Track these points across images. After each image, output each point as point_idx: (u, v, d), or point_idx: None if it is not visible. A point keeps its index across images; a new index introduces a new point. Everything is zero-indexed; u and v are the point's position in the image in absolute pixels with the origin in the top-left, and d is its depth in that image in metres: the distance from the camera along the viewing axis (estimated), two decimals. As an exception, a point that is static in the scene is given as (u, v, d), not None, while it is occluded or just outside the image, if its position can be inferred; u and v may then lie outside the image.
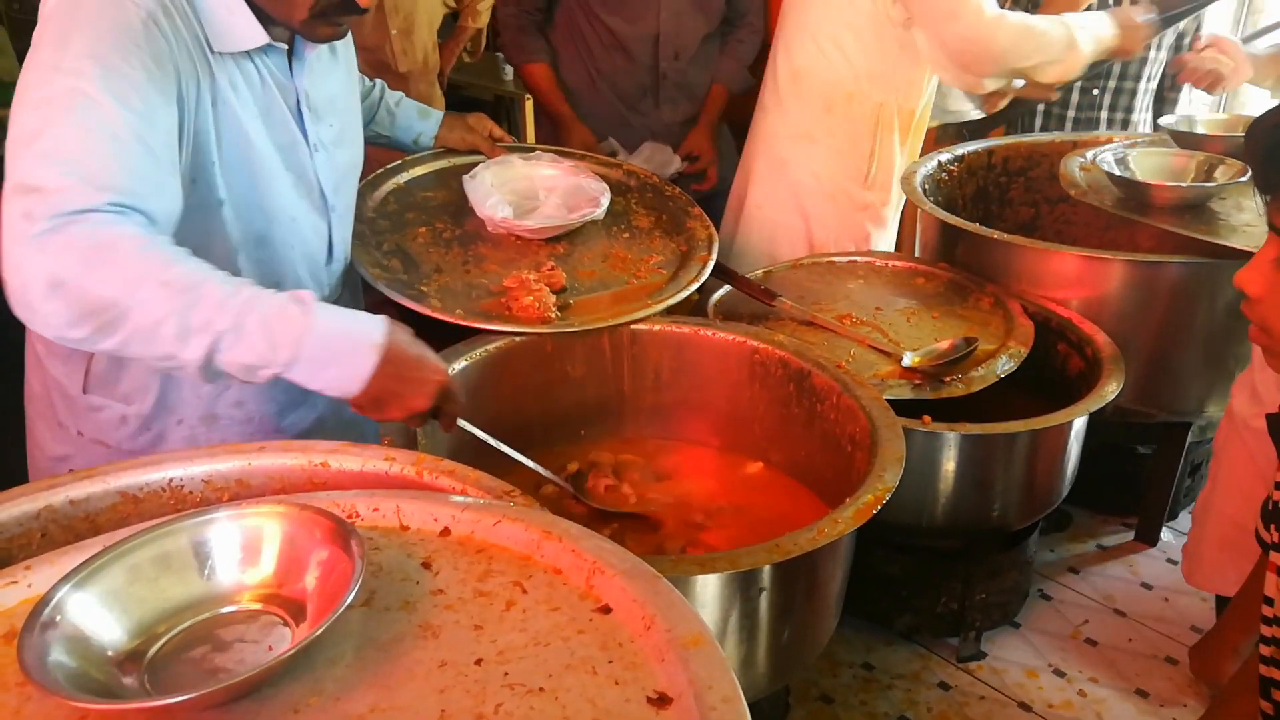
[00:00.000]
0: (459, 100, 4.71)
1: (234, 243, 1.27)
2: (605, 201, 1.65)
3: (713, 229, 1.71)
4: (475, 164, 1.71)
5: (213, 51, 1.19)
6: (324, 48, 1.36)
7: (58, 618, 0.69)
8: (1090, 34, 1.95)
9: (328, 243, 1.41)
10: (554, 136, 2.78)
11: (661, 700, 0.68)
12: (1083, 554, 2.05)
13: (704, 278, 1.57)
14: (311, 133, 1.34)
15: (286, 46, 1.29)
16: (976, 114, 2.50)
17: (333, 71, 1.40)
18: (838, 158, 2.20)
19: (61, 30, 1.06)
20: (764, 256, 2.32)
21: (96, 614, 0.71)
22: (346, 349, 1.06)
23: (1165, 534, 2.10)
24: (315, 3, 1.18)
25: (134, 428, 1.35)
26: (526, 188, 1.68)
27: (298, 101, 1.31)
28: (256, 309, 1.02)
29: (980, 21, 1.86)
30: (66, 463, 1.39)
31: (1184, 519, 2.16)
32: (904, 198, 2.44)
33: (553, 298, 1.43)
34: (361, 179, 1.51)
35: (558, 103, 2.63)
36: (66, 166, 0.99)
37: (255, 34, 1.21)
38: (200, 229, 1.20)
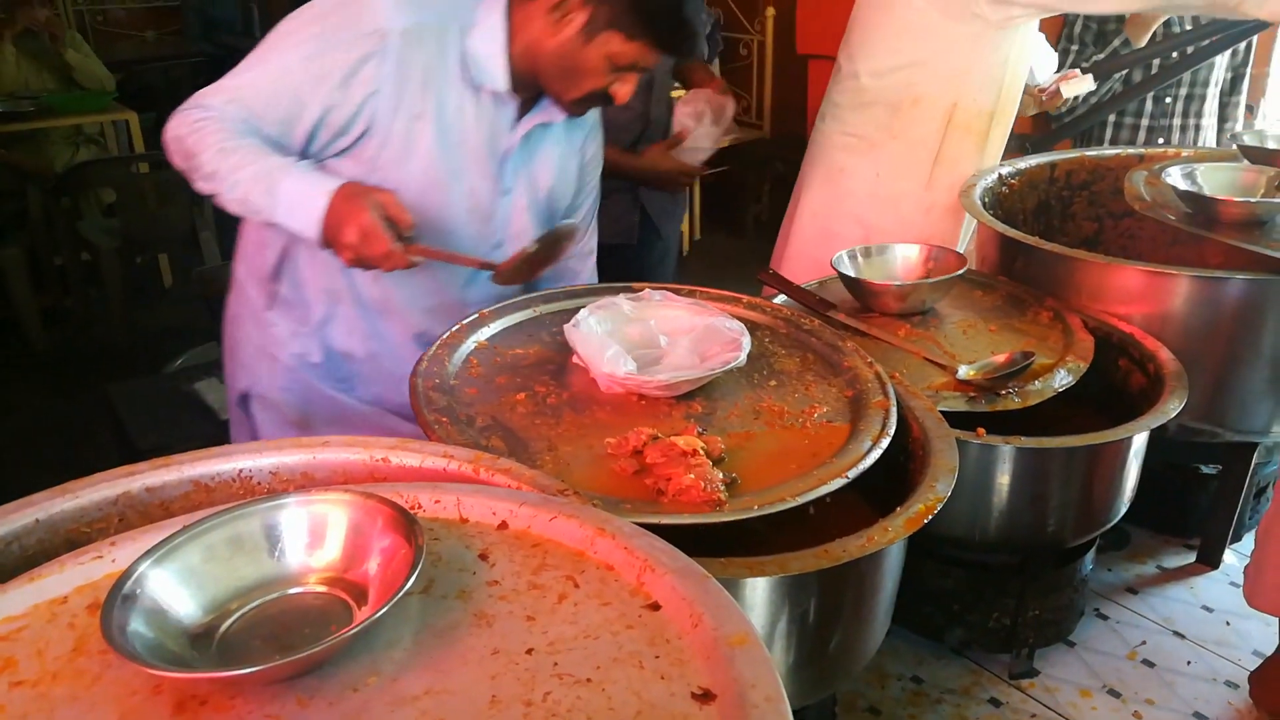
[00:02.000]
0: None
1: None
2: (747, 344, 1.38)
3: (879, 366, 1.43)
4: (565, 313, 1.49)
5: (462, 80, 1.51)
6: (558, 128, 1.64)
7: (138, 591, 0.73)
8: None
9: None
10: None
11: (705, 696, 0.69)
12: (1142, 574, 2.01)
13: (891, 429, 1.27)
14: (506, 178, 1.61)
15: (518, 101, 1.57)
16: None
17: (556, 150, 1.66)
18: (900, 162, 2.20)
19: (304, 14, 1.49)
20: (815, 265, 2.33)
21: (173, 589, 0.75)
22: (306, 201, 1.42)
23: (1228, 556, 2.06)
24: (584, 96, 1.52)
25: (301, 347, 1.66)
26: (642, 334, 1.43)
27: (507, 149, 1.58)
28: (257, 172, 1.43)
29: None
30: (250, 372, 1.71)
31: (1248, 541, 2.11)
32: None
33: (718, 473, 1.13)
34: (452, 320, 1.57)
35: None
36: (227, 81, 1.48)
37: (498, 80, 1.52)
38: None
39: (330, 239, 1.42)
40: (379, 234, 1.38)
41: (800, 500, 1.10)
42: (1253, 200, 1.85)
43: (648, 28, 1.43)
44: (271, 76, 1.46)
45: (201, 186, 1.47)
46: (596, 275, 1.89)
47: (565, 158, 1.69)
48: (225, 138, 1.44)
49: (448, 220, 1.59)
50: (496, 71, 1.51)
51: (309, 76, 1.45)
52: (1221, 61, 2.70)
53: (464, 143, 1.55)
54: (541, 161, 1.65)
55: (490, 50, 1.50)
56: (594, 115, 1.74)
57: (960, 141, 2.16)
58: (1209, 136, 2.81)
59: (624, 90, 1.51)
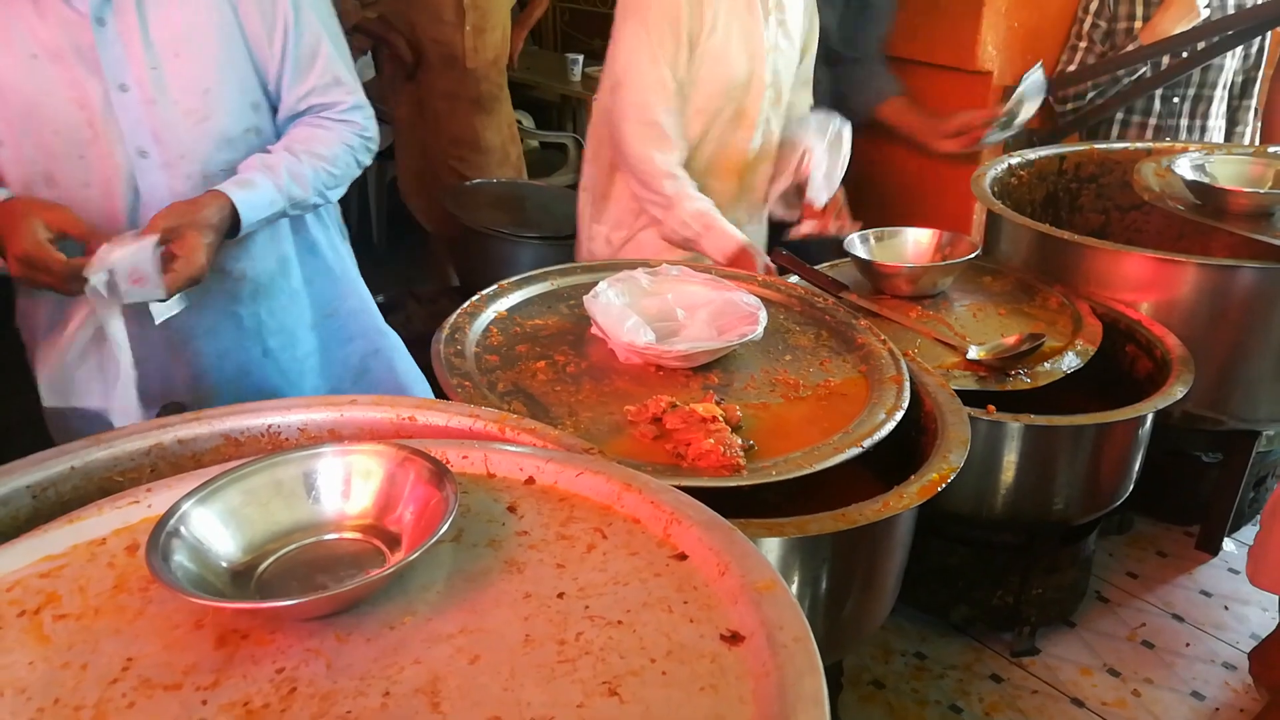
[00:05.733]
0: (525, 100, 4.80)
1: (21, 182, 1.38)
2: (764, 318, 1.40)
3: (892, 344, 1.47)
4: (582, 286, 1.50)
5: None
6: None
7: (182, 528, 0.75)
8: (695, 242, 1.84)
9: (133, 187, 1.42)
10: None
11: (734, 638, 0.71)
12: (1142, 559, 2.04)
13: (905, 402, 1.30)
14: (115, 72, 1.35)
15: None
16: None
17: (171, 11, 1.37)
18: (588, 174, 2.16)
19: None
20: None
21: (215, 528, 0.77)
22: None
23: (1227, 544, 2.08)
24: None
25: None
26: (660, 308, 1.44)
27: (93, 36, 1.32)
28: None
29: (625, 141, 1.85)
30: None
31: (1246, 532, 2.14)
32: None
33: (737, 439, 1.16)
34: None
35: None
36: None
37: None
38: None
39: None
40: (45, 264, 1.25)
41: (818, 467, 1.12)
42: (1261, 191, 1.87)
43: None
44: None
45: None
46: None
47: (197, 23, 1.40)
48: None
49: (77, 150, 1.37)
50: None
51: None
52: (1231, 64, 2.71)
53: (33, 53, 1.31)
54: (170, 39, 1.37)
55: None
56: None
57: (625, 187, 2.06)
58: (1215, 139, 2.82)
59: None
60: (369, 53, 4.18)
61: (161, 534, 0.73)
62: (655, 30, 1.82)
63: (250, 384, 1.62)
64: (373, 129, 1.62)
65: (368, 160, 1.63)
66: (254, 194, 1.42)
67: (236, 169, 1.47)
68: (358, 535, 0.83)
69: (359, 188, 4.42)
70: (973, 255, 1.80)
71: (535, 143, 4.84)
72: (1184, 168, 1.96)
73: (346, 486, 0.84)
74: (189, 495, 0.77)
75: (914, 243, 1.90)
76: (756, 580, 0.75)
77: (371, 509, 0.84)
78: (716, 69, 1.89)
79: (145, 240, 1.29)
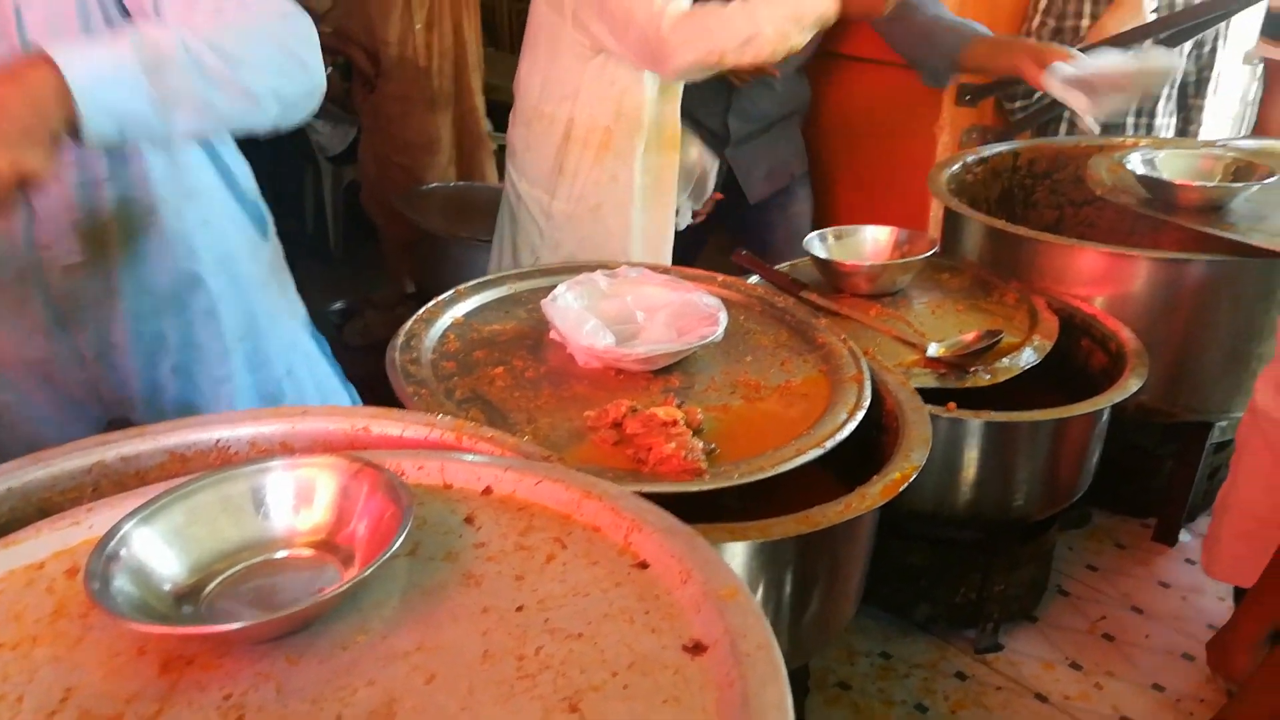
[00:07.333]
0: (489, 106, 4.75)
1: None
2: (724, 319, 1.39)
3: (852, 343, 1.46)
4: (539, 290, 1.49)
5: None
6: None
7: (122, 550, 0.72)
8: (783, 11, 1.83)
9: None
10: None
11: (697, 648, 0.70)
12: (1101, 552, 2.06)
13: (866, 401, 1.30)
14: None
15: None
16: None
17: None
18: (531, 170, 2.20)
19: None
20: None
21: (158, 549, 0.74)
22: None
23: (1183, 535, 2.12)
24: None
25: None
26: (619, 310, 1.43)
27: None
28: None
29: (651, 21, 1.86)
30: None
31: (1202, 522, 2.17)
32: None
33: (698, 442, 1.15)
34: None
35: None
36: None
37: None
38: None
39: None
40: None
41: (780, 469, 1.11)
42: (1210, 185, 1.90)
43: None
44: None
45: None
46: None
47: None
48: None
49: None
50: None
51: None
52: (1181, 63, 2.74)
53: None
54: None
55: None
56: None
57: (579, 154, 2.14)
58: (1163, 136, 2.85)
59: None
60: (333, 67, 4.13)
61: (101, 557, 0.70)
62: None
63: (167, 400, 1.49)
64: (314, 37, 1.22)
65: (312, 64, 1.21)
66: (87, 50, 1.04)
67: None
68: (309, 552, 0.80)
69: (315, 193, 4.36)
70: (931, 252, 1.80)
71: (493, 145, 4.80)
72: (1135, 162, 1.98)
73: (297, 501, 0.82)
74: (130, 515, 0.74)
75: (872, 241, 1.90)
76: (719, 588, 0.74)
77: (324, 524, 0.81)
78: None
79: None
